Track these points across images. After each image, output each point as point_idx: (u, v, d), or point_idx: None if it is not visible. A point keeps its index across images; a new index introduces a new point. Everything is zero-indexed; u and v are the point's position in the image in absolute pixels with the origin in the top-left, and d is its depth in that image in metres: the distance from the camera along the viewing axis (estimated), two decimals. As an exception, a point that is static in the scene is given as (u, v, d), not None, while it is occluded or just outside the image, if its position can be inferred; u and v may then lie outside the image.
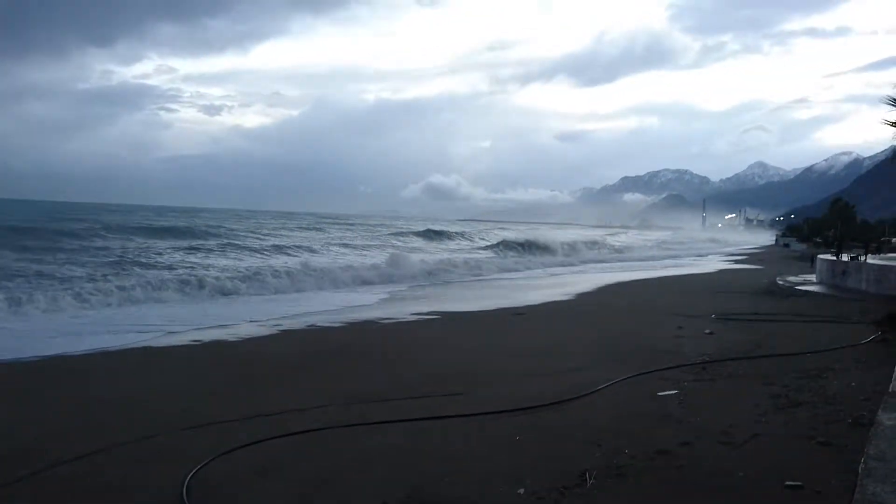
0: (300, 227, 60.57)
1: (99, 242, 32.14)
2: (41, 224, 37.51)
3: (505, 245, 45.24)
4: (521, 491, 4.78)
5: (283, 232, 51.19)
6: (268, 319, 13.71)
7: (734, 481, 4.89)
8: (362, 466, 5.41)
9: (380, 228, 63.36)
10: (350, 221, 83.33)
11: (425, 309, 15.83)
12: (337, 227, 64.92)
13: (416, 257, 32.46)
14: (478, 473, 5.22)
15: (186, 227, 44.02)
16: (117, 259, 24.60)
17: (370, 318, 14.51)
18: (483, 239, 53.43)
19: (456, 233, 55.44)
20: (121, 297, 16.51)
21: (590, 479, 4.97)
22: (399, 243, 43.35)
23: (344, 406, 7.13)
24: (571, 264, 38.10)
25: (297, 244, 38.67)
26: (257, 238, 43.02)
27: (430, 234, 51.82)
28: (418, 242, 47.30)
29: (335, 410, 6.95)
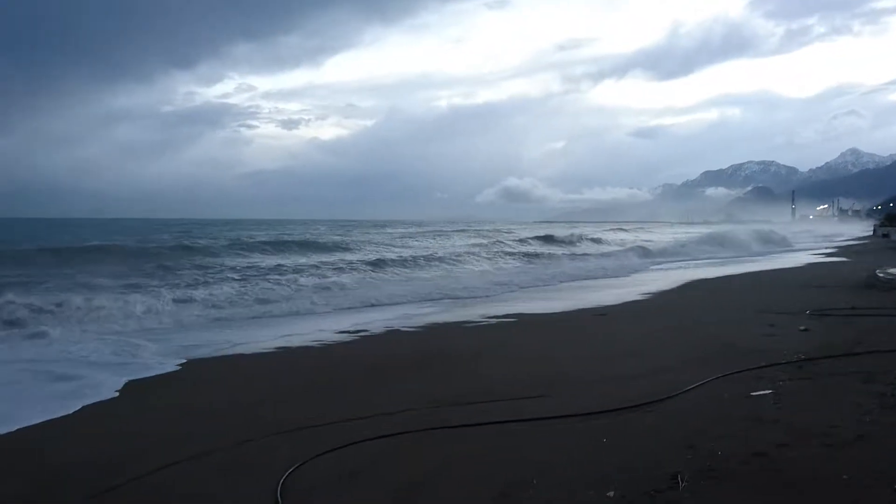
0: (422, 235, 57.97)
1: (240, 259, 29.24)
2: (159, 243, 35.54)
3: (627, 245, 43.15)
4: (611, 494, 4.71)
5: (408, 241, 48.71)
6: (352, 325, 13.97)
7: (839, 485, 4.66)
8: (451, 470, 5.45)
9: (493, 234, 60.59)
10: (460, 228, 79.41)
11: (500, 311, 15.80)
12: (458, 234, 60.86)
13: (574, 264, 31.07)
14: (566, 476, 5.18)
15: (309, 241, 41.62)
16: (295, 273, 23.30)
17: (447, 321, 14.61)
18: (596, 241, 50.03)
19: (565, 237, 51.27)
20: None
21: (682, 482, 4.84)
22: (544, 250, 40.04)
23: (430, 409, 7.21)
24: (664, 260, 36.66)
25: (435, 253, 34.19)
26: (398, 248, 40.55)
27: (550, 239, 48.49)
28: (553, 248, 42.02)
29: (422, 414, 7.03)
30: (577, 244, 45.75)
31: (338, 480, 5.31)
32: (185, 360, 10.36)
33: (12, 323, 12.94)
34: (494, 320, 14.49)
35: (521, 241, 45.63)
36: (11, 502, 5.11)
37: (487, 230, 72.23)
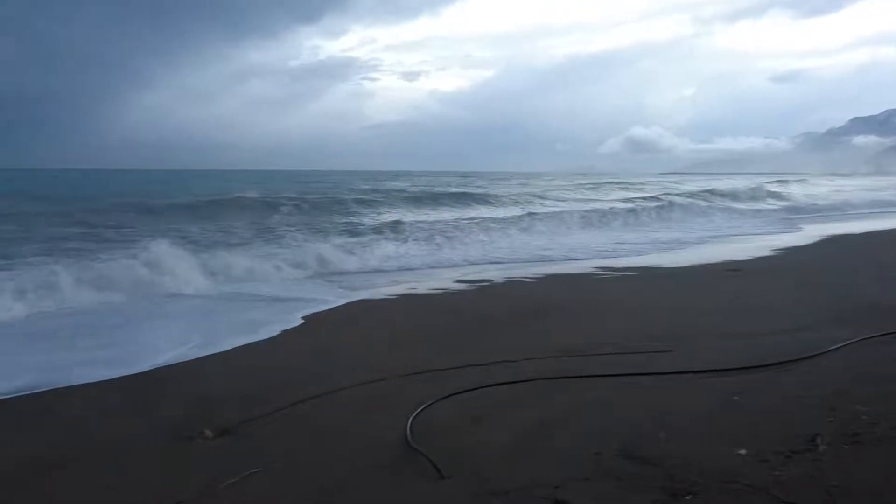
0: (577, 187, 55.12)
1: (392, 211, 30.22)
2: (319, 194, 36.85)
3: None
4: (743, 452, 4.58)
5: (568, 193, 47.06)
6: (480, 275, 14.14)
7: None
8: (574, 418, 5.48)
9: (640, 186, 57.03)
10: (605, 181, 70.98)
11: (621, 265, 15.46)
12: (606, 186, 57.31)
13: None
14: (693, 431, 5.08)
15: (469, 193, 41.70)
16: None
17: (569, 272, 14.51)
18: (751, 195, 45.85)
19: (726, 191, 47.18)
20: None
21: (821, 444, 4.62)
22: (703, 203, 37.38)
23: (552, 359, 7.24)
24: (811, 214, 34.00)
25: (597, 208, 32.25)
26: (549, 200, 39.67)
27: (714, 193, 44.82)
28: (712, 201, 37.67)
29: (542, 363, 7.08)
30: (736, 199, 42.48)
31: (463, 423, 5.48)
32: (341, 303, 11.03)
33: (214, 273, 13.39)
34: (618, 273, 14.22)
35: (688, 194, 43.08)
36: (165, 424, 5.65)
37: (637, 182, 68.26)
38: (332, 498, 4.26)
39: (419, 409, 5.67)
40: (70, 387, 6.72)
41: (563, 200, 41.25)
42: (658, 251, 18.32)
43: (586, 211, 29.82)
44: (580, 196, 46.25)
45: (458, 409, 5.79)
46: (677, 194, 42.91)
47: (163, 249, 13.15)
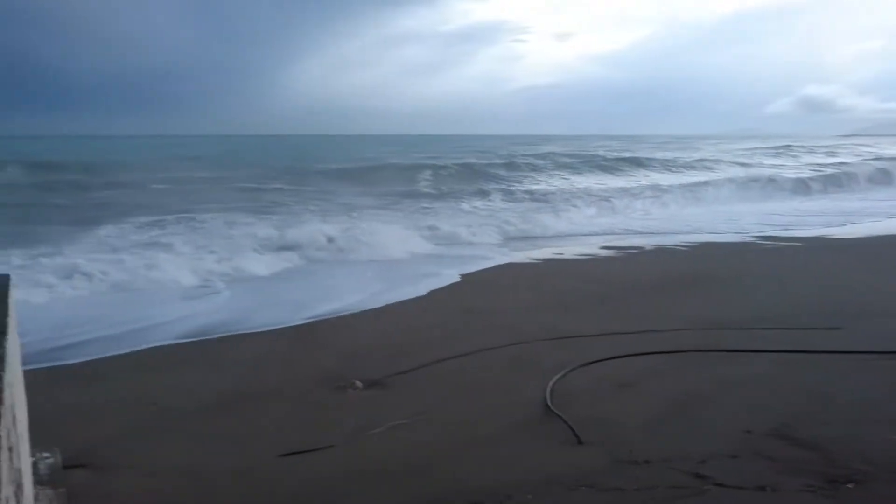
0: (753, 152, 50.16)
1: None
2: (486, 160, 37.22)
3: None
4: (916, 442, 4.20)
5: (742, 158, 43.55)
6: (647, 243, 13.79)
7: None
8: (723, 393, 5.27)
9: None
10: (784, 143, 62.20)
11: (783, 234, 14.39)
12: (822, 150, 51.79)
13: None
14: (852, 414, 4.73)
15: (640, 158, 40.08)
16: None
17: (727, 241, 13.74)
18: None
19: None
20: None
21: None
22: None
23: (701, 331, 6.95)
24: None
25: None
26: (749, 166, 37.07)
27: None
28: None
29: (692, 335, 6.82)
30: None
31: (605, 390, 5.43)
32: (492, 265, 11.26)
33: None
34: (783, 244, 13.27)
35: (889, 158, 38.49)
36: (321, 373, 6.06)
37: (823, 146, 60.38)
38: (470, 454, 4.41)
39: (561, 374, 5.68)
40: (252, 333, 7.40)
41: (744, 165, 38.35)
42: (838, 223, 16.78)
43: (763, 178, 27.96)
44: (756, 161, 42.82)
45: (601, 376, 5.74)
46: (874, 158, 38.81)
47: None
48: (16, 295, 2.82)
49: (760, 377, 5.60)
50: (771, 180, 27.49)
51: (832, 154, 48.21)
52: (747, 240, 13.91)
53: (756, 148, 57.43)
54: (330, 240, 12.61)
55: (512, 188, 24.99)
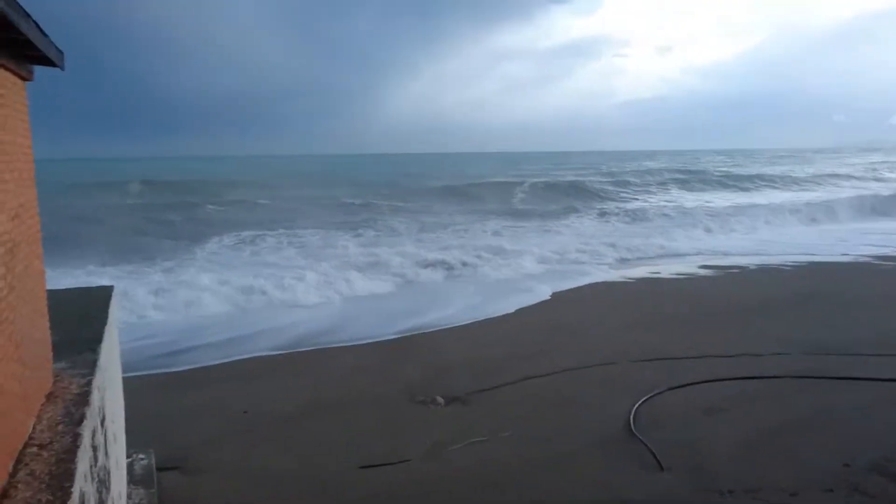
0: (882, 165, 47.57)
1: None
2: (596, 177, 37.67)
3: None
4: None
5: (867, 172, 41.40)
6: (725, 257, 13.25)
7: None
8: (822, 422, 4.96)
9: None
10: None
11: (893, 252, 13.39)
12: None
13: None
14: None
15: (749, 174, 39.18)
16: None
17: (833, 260, 12.95)
18: None
19: None
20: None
21: None
22: None
23: (803, 355, 6.57)
24: None
25: None
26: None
27: None
28: None
29: (792, 359, 6.46)
30: None
31: (692, 414, 5.23)
32: (584, 283, 11.18)
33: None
34: (886, 262, 12.35)
35: None
36: (405, 387, 6.13)
37: None
38: (546, 474, 4.35)
39: (647, 397, 5.52)
40: (349, 345, 7.65)
41: (861, 179, 35.77)
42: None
43: (882, 194, 26.04)
44: (876, 175, 39.69)
45: (690, 399, 5.53)
46: None
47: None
48: (118, 304, 3.04)
49: (864, 406, 5.23)
50: (893, 197, 25.57)
51: None
52: (860, 260, 13.03)
53: (881, 162, 53.62)
54: (442, 263, 12.94)
55: (613, 205, 24.64)
